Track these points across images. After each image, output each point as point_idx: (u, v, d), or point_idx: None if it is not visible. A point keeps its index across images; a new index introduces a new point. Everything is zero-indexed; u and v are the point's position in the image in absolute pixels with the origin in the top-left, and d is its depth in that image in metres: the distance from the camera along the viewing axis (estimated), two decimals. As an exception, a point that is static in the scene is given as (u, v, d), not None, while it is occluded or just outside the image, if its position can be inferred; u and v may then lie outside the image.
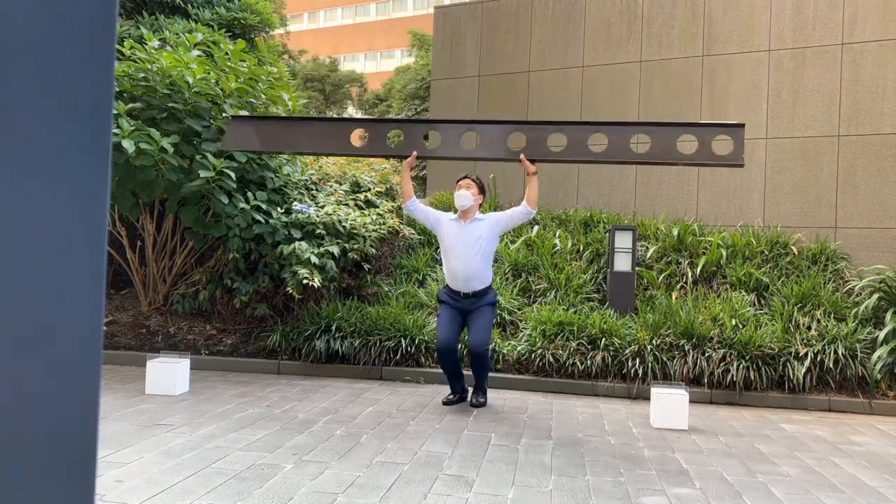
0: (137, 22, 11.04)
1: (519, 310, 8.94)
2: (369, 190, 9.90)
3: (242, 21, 12.05)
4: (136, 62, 8.32)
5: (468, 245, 6.81)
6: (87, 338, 0.59)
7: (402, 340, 8.16)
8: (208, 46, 9.40)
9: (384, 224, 9.28)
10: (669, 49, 10.84)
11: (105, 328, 9.52)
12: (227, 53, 9.00)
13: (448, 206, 11.10)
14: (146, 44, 8.58)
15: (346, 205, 9.40)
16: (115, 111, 7.84)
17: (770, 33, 10.26)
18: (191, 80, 8.15)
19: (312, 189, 9.72)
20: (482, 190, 7.14)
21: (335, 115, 39.97)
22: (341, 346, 8.27)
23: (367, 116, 39.01)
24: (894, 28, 9.66)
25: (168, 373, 7.20)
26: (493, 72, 12.06)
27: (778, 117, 10.20)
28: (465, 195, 6.91)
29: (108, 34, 0.59)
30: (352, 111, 40.89)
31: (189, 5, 11.71)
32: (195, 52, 8.78)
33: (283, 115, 9.30)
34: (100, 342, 0.60)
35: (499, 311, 8.75)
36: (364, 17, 60.79)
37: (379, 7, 60.04)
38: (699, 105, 10.58)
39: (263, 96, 9.16)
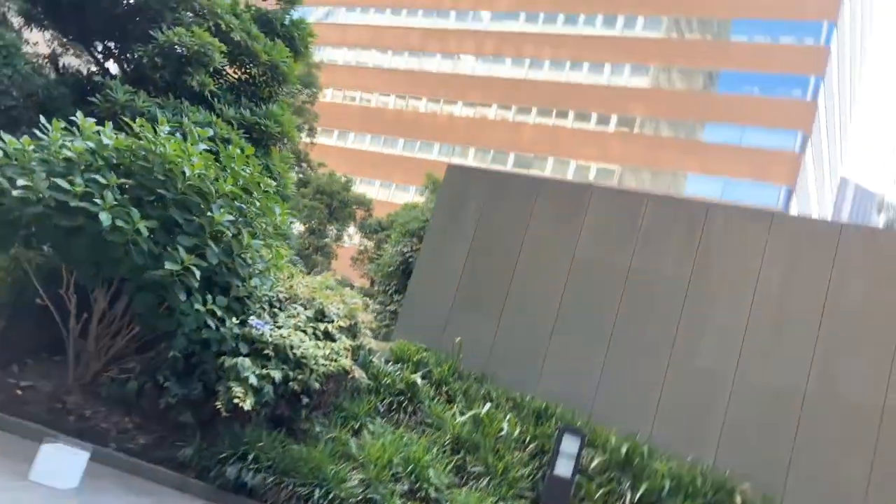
0: (161, 103, 11.26)
1: (448, 489, 8.47)
2: (332, 322, 9.68)
3: (263, 128, 12.31)
4: (141, 140, 8.38)
5: None
6: None
7: (317, 490, 7.64)
8: (216, 144, 9.50)
9: (336, 361, 8.97)
10: (659, 268, 11.00)
11: (19, 392, 8.99)
12: (233, 157, 9.09)
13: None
14: (157, 125, 8.67)
15: (304, 332, 9.15)
16: (104, 181, 7.85)
17: (759, 277, 10.45)
18: (188, 172, 8.16)
19: (276, 306, 9.51)
20: None
21: (335, 230, 40.45)
22: (252, 479, 7.74)
23: (364, 240, 39.47)
24: (877, 300, 9.85)
25: (61, 463, 6.68)
26: (486, 242, 12.21)
27: (752, 357, 10.18)
28: None
29: None
30: (352, 231, 41.41)
31: (216, 99, 11.99)
32: (202, 146, 8.87)
33: (272, 226, 9.26)
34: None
35: (425, 486, 8.28)
36: (390, 149, 62.97)
37: (407, 143, 62.37)
38: (676, 327, 10.60)
39: (258, 203, 9.17)
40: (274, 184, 9.48)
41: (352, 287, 39.09)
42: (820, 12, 47.03)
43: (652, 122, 51.41)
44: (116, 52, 13.03)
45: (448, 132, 60.22)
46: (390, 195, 56.41)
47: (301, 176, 40.32)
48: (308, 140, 40.40)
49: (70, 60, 13.76)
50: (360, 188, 51.17)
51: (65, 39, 13.03)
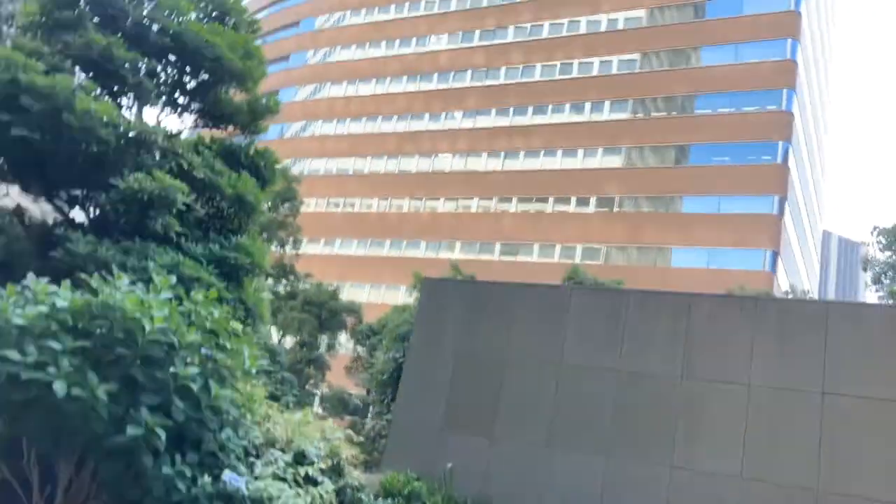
0: (127, 247, 11.10)
1: None
2: (313, 464, 9.19)
3: (233, 261, 12.14)
4: (97, 295, 8.09)
5: None
6: None
7: None
8: (182, 288, 9.25)
9: (319, 509, 8.45)
10: (647, 368, 10.62)
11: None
12: (197, 302, 8.81)
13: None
14: (110, 278, 8.39)
15: (284, 479, 8.65)
16: (59, 347, 7.53)
17: (751, 368, 10.07)
18: (147, 328, 7.85)
19: (253, 454, 9.03)
20: None
21: (326, 339, 39.90)
22: None
23: (357, 346, 38.97)
24: (876, 378, 9.47)
25: None
26: (470, 357, 11.82)
27: (754, 457, 9.66)
28: None
29: None
30: (343, 340, 40.94)
31: (183, 238, 11.85)
32: (165, 295, 8.57)
33: (237, 371, 8.89)
34: None
35: None
36: (377, 251, 63.26)
37: (393, 243, 62.71)
38: (674, 430, 10.11)
39: (228, 345, 8.84)
40: (240, 326, 9.14)
41: (349, 395, 38.29)
42: (777, 82, 48.57)
43: (631, 200, 52.09)
44: (80, 199, 12.99)
45: (432, 229, 60.82)
46: (381, 296, 56.17)
47: (289, 289, 40.25)
48: (293, 251, 40.51)
49: (44, 207, 13.69)
50: (350, 292, 51.01)
51: (27, 193, 12.99)
